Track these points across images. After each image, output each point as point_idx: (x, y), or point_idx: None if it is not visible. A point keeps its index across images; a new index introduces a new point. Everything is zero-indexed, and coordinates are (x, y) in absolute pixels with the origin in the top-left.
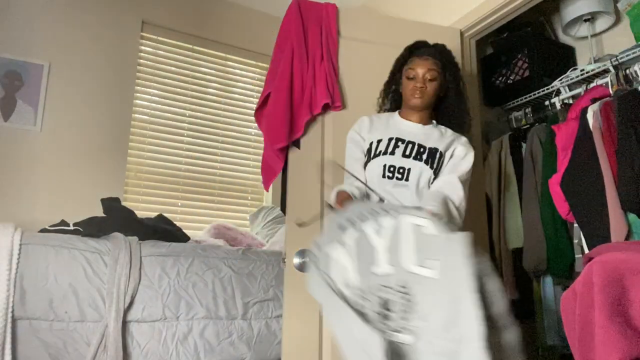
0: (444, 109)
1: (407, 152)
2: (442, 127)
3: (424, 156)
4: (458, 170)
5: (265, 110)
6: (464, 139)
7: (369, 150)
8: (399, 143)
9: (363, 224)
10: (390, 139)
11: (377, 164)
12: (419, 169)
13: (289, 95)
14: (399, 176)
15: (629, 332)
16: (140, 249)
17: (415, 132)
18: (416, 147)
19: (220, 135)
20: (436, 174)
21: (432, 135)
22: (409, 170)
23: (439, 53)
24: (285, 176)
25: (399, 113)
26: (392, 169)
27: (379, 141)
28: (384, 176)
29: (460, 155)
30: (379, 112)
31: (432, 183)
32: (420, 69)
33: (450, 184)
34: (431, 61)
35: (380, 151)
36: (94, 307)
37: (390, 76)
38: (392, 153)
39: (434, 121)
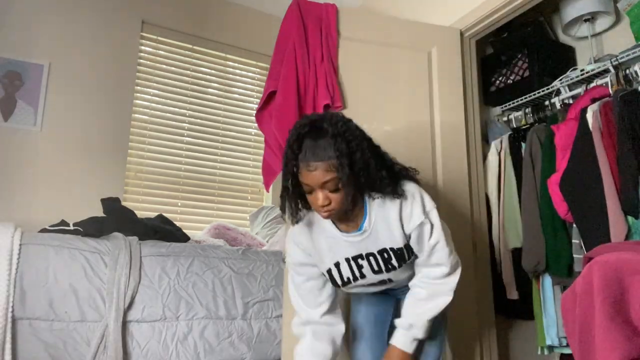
0: (365, 183)
1: (376, 268)
2: (376, 205)
3: (394, 262)
4: (433, 258)
5: (267, 111)
6: (405, 209)
7: (330, 278)
8: (360, 260)
9: None
10: (347, 260)
11: (355, 292)
12: (400, 273)
13: (297, 96)
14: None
15: (629, 332)
16: (140, 249)
17: (364, 240)
18: (379, 257)
19: (220, 135)
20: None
21: (380, 229)
22: (389, 280)
23: (327, 147)
24: None
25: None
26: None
27: (337, 265)
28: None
29: (424, 237)
30: (294, 222)
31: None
32: (315, 184)
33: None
34: (321, 170)
35: (349, 278)
36: (94, 307)
37: (285, 183)
38: (363, 276)
39: (366, 200)
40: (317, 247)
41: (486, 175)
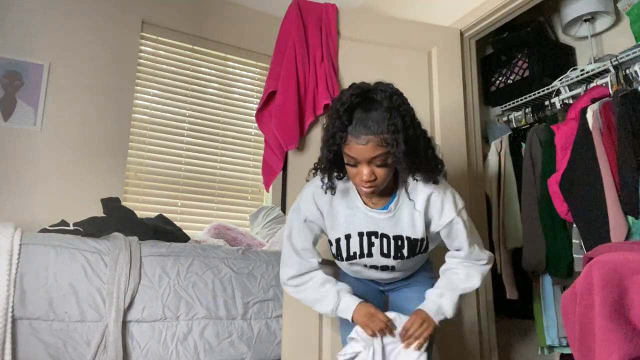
0: (411, 162)
1: (385, 251)
2: (407, 191)
3: (404, 251)
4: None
5: (267, 111)
6: (436, 202)
7: (337, 248)
8: (373, 238)
9: None
10: (360, 234)
11: (354, 269)
12: (406, 263)
13: (297, 96)
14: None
15: (629, 332)
16: (140, 249)
17: (385, 220)
18: (392, 242)
19: (220, 135)
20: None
21: (403, 214)
22: (392, 267)
23: (382, 121)
24: (285, 176)
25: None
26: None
27: (347, 237)
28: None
29: (456, 234)
30: (332, 193)
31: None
32: (362, 158)
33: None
34: (373, 143)
35: (355, 253)
36: (94, 307)
37: (327, 154)
38: (370, 255)
39: (399, 181)
40: (334, 213)
41: (486, 176)
